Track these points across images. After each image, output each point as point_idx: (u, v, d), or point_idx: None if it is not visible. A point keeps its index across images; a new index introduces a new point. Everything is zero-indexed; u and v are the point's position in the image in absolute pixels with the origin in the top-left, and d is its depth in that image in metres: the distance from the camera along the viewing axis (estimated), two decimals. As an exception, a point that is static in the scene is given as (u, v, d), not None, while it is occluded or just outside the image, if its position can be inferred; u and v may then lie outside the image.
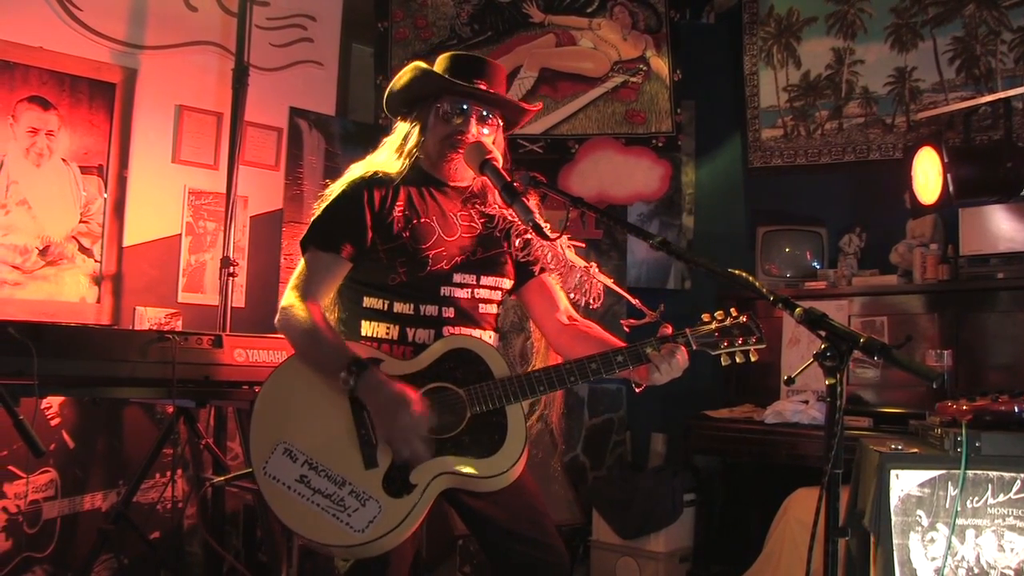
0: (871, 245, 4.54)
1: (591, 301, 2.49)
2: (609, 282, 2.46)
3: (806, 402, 4.13)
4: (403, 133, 2.48)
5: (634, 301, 2.40)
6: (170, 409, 3.72)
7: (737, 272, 1.99)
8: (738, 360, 2.29)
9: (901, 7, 4.64)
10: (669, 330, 2.29)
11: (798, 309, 1.81)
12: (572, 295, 2.50)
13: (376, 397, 2.14)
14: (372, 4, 5.13)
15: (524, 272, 2.52)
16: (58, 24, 3.93)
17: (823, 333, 1.76)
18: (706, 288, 5.03)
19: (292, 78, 4.80)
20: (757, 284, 1.96)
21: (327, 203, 2.38)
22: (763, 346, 2.28)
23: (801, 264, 4.71)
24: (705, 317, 2.31)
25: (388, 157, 2.45)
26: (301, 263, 2.35)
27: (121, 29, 4.14)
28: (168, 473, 4.04)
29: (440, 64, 2.47)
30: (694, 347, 2.28)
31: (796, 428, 4.02)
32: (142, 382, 3.17)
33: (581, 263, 2.48)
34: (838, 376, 1.73)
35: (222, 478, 3.37)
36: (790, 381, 1.88)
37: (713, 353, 2.28)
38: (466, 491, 2.25)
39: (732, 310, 2.29)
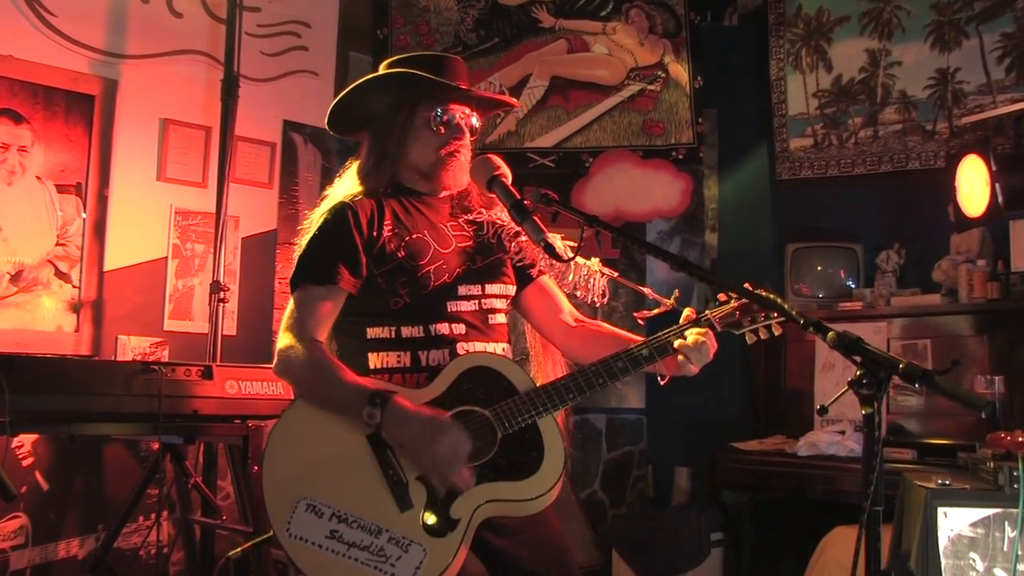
0: (911, 262, 4.50)
1: (596, 298, 2.47)
2: (615, 275, 2.45)
3: (842, 433, 4.10)
4: (376, 147, 2.42)
5: (646, 291, 2.41)
6: (155, 446, 3.71)
7: (764, 293, 1.98)
8: (762, 336, 2.28)
9: (943, 3, 4.61)
10: (692, 315, 2.30)
11: (831, 333, 1.79)
12: (577, 292, 2.49)
13: (408, 428, 2.10)
14: (371, 10, 5.15)
15: (522, 276, 2.51)
16: (30, 31, 3.94)
17: (858, 359, 1.74)
18: (732, 310, 5.00)
19: (286, 89, 4.81)
20: (786, 306, 1.94)
21: (311, 234, 2.34)
22: (784, 318, 2.24)
23: (834, 283, 4.68)
24: (721, 297, 2.32)
25: (353, 182, 2.42)
26: (291, 303, 2.31)
27: (99, 37, 4.15)
28: (153, 515, 4.02)
29: (397, 68, 2.42)
30: (719, 329, 2.29)
31: (832, 461, 3.99)
32: (125, 417, 3.16)
33: (581, 259, 2.47)
34: (876, 405, 1.70)
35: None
36: (823, 411, 1.86)
37: (738, 332, 2.29)
38: (492, 528, 2.22)
39: (747, 284, 2.27)
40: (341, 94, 2.41)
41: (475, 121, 2.45)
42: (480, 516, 2.15)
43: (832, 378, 4.32)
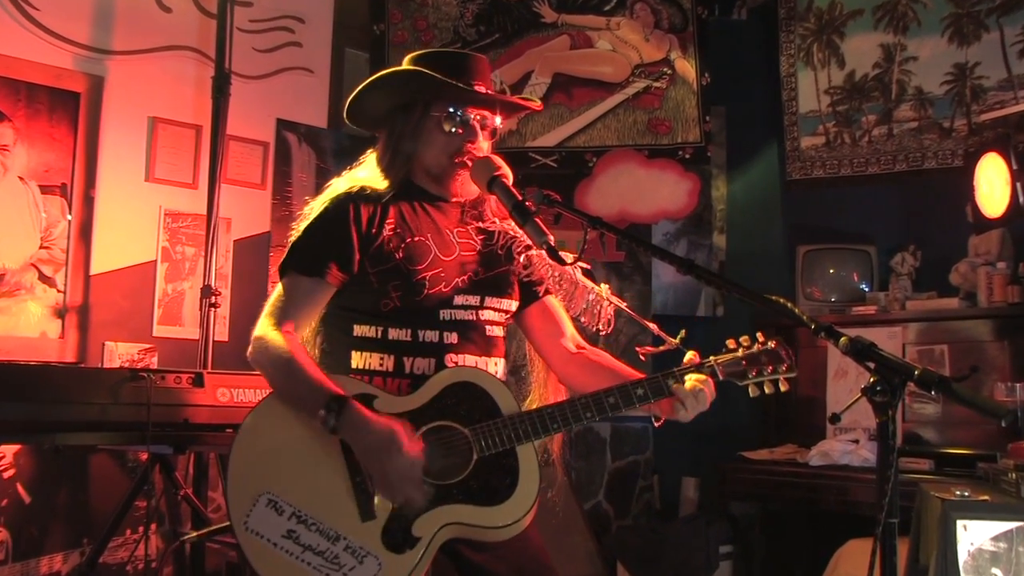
0: (927, 264, 4.50)
1: (601, 326, 2.45)
2: (623, 305, 2.43)
3: (856, 441, 4.10)
4: (391, 144, 2.43)
5: (652, 327, 2.37)
6: (144, 456, 3.68)
7: (774, 297, 1.96)
8: (767, 391, 2.26)
9: (961, -6, 4.61)
10: (695, 359, 2.26)
11: (843, 338, 1.78)
12: (581, 319, 2.47)
13: (361, 438, 2.10)
14: (367, 5, 5.15)
15: (527, 294, 2.49)
16: (11, 25, 3.93)
17: (872, 365, 1.73)
18: (740, 315, 4.98)
19: (279, 87, 4.81)
20: (797, 311, 1.93)
21: (308, 222, 2.35)
22: (793, 375, 2.25)
23: (847, 287, 4.69)
24: (730, 343, 2.29)
25: (373, 172, 2.43)
26: (278, 288, 2.32)
27: (85, 32, 4.14)
28: (140, 529, 4.00)
29: (418, 65, 2.41)
30: (720, 377, 2.25)
31: (845, 471, 3.99)
32: (112, 426, 3.15)
33: (590, 284, 2.45)
34: (890, 413, 1.69)
35: (195, 533, 3.33)
36: (835, 419, 1.85)
37: (740, 383, 2.26)
38: (468, 543, 2.21)
39: (759, 335, 2.27)
40: (356, 90, 2.42)
41: (497, 123, 2.43)
42: (443, 537, 2.14)
43: (845, 385, 4.32)
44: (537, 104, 2.55)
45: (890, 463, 1.67)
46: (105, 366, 4.01)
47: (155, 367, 3.98)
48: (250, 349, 2.25)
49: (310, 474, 2.15)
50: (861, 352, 1.75)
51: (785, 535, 4.55)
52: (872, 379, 1.71)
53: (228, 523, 2.20)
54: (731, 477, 4.34)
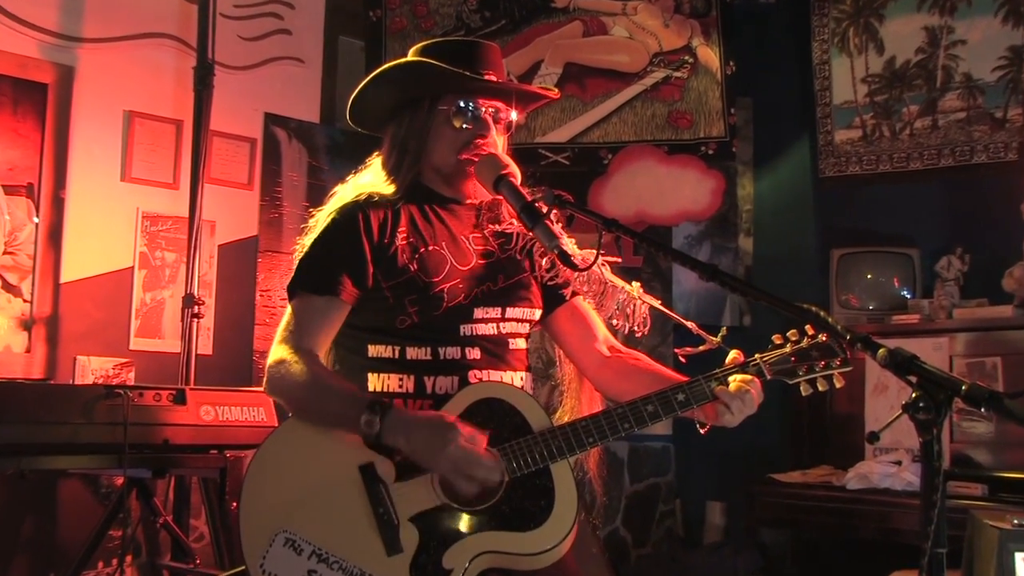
0: (977, 269, 4.49)
1: (636, 327, 2.44)
2: (657, 304, 2.43)
3: (898, 463, 4.09)
4: (396, 144, 2.44)
5: (689, 325, 2.37)
6: (119, 481, 3.69)
7: (806, 306, 1.95)
8: (820, 388, 2.26)
9: (1018, -31, 4.59)
10: (739, 358, 2.27)
11: (881, 350, 1.76)
12: (613, 321, 2.46)
13: (413, 435, 2.10)
14: (362, -11, 5.16)
15: (553, 297, 2.50)
16: (-31, 10, 3.96)
17: (914, 379, 1.71)
18: (769, 324, 4.89)
19: (267, 78, 4.82)
20: (830, 320, 1.92)
21: (315, 236, 2.35)
22: (849, 369, 2.25)
23: (887, 294, 4.67)
24: (776, 339, 2.29)
25: (379, 176, 2.43)
26: (288, 312, 2.32)
27: (52, 17, 4.15)
28: (115, 561, 3.99)
29: (424, 56, 2.41)
30: (768, 376, 2.26)
31: (887, 496, 3.98)
32: (84, 448, 3.16)
33: (621, 283, 2.45)
34: (935, 432, 1.67)
35: None
36: (874, 438, 1.84)
37: (791, 382, 2.25)
38: (504, 573, 2.20)
39: (808, 328, 2.26)
40: (356, 88, 2.42)
41: (512, 117, 2.44)
42: (476, 568, 2.13)
43: (885, 401, 4.30)
44: (555, 93, 2.56)
45: (936, 487, 1.65)
46: (77, 383, 4.01)
47: (132, 383, 3.97)
48: (266, 379, 2.27)
49: (328, 508, 2.15)
50: (901, 365, 1.73)
51: (820, 566, 4.56)
52: (914, 394, 1.69)
53: (242, 568, 2.20)
54: (760, 501, 4.33)
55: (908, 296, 4.60)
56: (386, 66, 2.40)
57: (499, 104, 2.40)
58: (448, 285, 2.30)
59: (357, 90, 2.42)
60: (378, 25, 5.09)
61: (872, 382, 4.37)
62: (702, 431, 2.32)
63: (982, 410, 1.66)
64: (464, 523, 2.15)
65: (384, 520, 2.12)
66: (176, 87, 4.43)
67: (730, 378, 2.23)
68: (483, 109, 2.37)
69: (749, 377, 2.23)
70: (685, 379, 2.27)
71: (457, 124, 2.36)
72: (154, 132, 4.40)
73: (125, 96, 4.33)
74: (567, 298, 2.50)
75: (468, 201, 2.44)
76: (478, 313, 2.32)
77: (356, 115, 2.49)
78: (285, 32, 4.89)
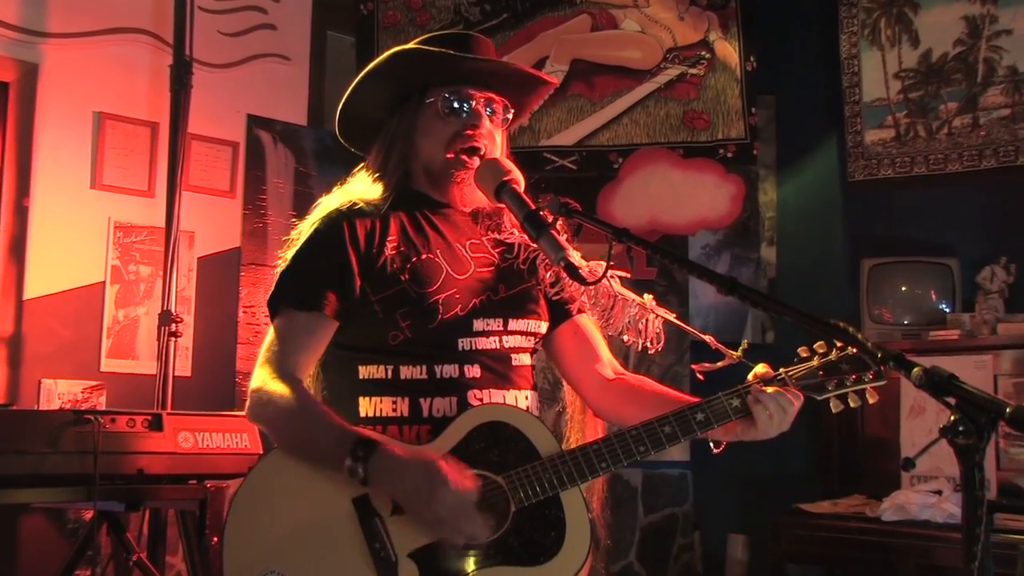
0: (1023, 280, 4.46)
1: (649, 343, 2.44)
2: (671, 317, 2.42)
3: (939, 492, 4.07)
4: (384, 143, 2.44)
5: (707, 339, 2.36)
6: (89, 515, 3.68)
7: (832, 321, 1.94)
8: (852, 404, 2.25)
9: (1069, -50, 4.60)
10: (768, 372, 2.26)
11: (916, 369, 1.74)
12: (624, 336, 2.45)
13: (399, 481, 2.09)
14: (352, -19, 5.18)
15: (557, 312, 2.49)
16: (-80, 3, 3.99)
17: (952, 400, 1.70)
18: (794, 341, 4.91)
19: (250, 77, 4.85)
20: (860, 336, 1.90)
21: (297, 248, 2.35)
22: (883, 382, 2.24)
23: (924, 307, 4.68)
24: (803, 351, 2.29)
25: (366, 182, 2.43)
26: (271, 332, 2.31)
27: (13, 10, 4.17)
28: (84, 601, 3.99)
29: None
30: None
31: (926, 528, 3.96)
32: (50, 480, 3.14)
33: (631, 295, 2.44)
34: (977, 459, 1.66)
35: None
36: (909, 464, 1.82)
37: (820, 398, 2.25)
38: None
39: (836, 340, 2.23)
40: (344, 96, 2.42)
41: (509, 116, 2.44)
42: None
43: (923, 424, 4.29)
44: (553, 79, 2.55)
45: (979, 519, 1.64)
46: (42, 407, 4.02)
47: (103, 408, 3.99)
48: (248, 404, 2.25)
49: (320, 545, 2.15)
50: (938, 385, 1.71)
51: (852, 604, 4.52)
52: (953, 417, 1.68)
53: None
54: (787, 534, 4.33)
55: (947, 310, 4.60)
56: (369, 66, 2.40)
57: (492, 95, 2.39)
58: (443, 295, 2.29)
59: (343, 101, 2.42)
60: (370, 19, 5.12)
61: (908, 404, 4.36)
62: (716, 451, 2.31)
63: (1029, 434, 1.65)
64: (468, 558, 2.13)
65: (380, 557, 2.11)
66: (151, 86, 4.45)
67: (761, 392, 2.22)
68: (474, 99, 2.37)
69: (786, 388, 2.23)
70: (697, 399, 2.26)
71: (445, 115, 2.36)
72: (127, 135, 4.42)
73: (95, 96, 4.36)
74: (572, 314, 2.49)
75: (463, 206, 2.44)
76: (478, 325, 2.31)
77: (346, 129, 2.49)
78: (269, 27, 4.91)
